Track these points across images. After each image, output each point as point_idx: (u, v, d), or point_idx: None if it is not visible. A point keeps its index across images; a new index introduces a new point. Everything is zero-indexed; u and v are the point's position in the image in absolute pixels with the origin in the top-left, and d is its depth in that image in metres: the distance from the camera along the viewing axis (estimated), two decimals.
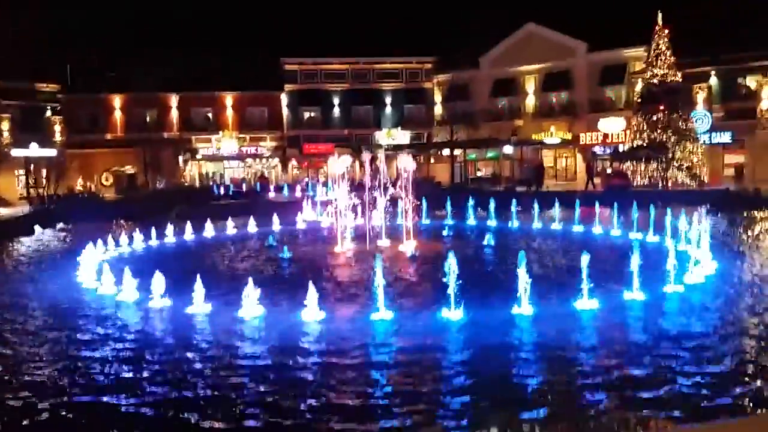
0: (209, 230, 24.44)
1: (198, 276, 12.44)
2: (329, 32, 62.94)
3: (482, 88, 54.83)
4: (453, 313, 10.97)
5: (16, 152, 49.18)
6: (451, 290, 10.99)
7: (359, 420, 7.10)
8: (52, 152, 50.91)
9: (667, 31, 39.61)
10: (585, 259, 11.77)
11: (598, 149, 49.26)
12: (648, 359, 8.81)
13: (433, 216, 27.18)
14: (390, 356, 9.29)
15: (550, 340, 9.87)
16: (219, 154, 56.09)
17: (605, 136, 48.44)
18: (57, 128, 53.90)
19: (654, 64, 40.13)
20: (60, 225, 30.31)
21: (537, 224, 24.52)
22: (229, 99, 56.20)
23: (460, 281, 11.06)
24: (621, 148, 43.67)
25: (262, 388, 8.13)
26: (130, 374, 8.81)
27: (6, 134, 50.21)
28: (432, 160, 57.00)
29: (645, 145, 39.62)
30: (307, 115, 57.73)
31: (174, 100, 55.54)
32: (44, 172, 50.38)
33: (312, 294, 11.33)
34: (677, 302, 12.06)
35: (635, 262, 12.31)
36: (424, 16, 77.30)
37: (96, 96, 53.98)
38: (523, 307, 11.24)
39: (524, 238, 21.75)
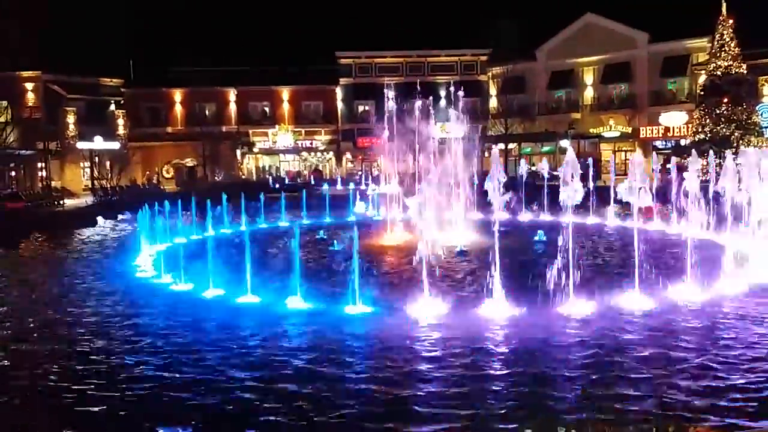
0: (264, 222, 25.18)
1: (248, 267, 12.75)
2: (383, 26, 63.05)
3: (539, 81, 54.06)
4: (496, 311, 10.92)
5: (81, 145, 51.11)
6: (496, 286, 10.94)
7: None
8: (115, 145, 52.70)
9: (731, 21, 38.24)
10: (636, 256, 11.54)
11: (659, 143, 48.03)
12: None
13: (485, 210, 26.94)
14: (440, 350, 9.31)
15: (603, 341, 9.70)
16: (275, 147, 56.93)
17: (666, 129, 47.16)
18: (120, 122, 55.64)
19: (718, 55, 38.82)
20: (121, 216, 31.28)
21: (593, 220, 24.17)
22: (285, 93, 56.91)
23: (505, 277, 11.00)
24: (683, 143, 42.48)
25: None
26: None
27: (72, 127, 52.11)
28: (486, 154, 56.49)
29: (707, 139, 38.41)
30: (361, 108, 57.96)
31: (232, 94, 56.58)
32: (108, 164, 52.17)
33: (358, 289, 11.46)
34: (733, 306, 11.64)
35: (691, 260, 12.03)
36: (478, 6, 76.70)
37: (157, 90, 55.48)
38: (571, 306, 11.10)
39: (577, 234, 21.31)
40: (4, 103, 44.60)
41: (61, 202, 39.05)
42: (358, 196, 30.66)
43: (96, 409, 7.49)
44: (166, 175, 55.28)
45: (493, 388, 7.83)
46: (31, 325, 11.49)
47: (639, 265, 11.86)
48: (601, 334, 9.86)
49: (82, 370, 8.81)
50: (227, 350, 9.52)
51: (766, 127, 39.42)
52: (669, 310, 11.15)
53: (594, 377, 8.08)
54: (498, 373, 8.37)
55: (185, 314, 11.83)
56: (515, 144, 52.66)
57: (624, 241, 18.64)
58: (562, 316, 10.88)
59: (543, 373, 8.27)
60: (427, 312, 11.06)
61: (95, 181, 49.41)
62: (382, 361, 8.87)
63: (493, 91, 57.61)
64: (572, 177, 11.74)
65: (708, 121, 38.76)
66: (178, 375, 8.52)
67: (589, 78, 52.46)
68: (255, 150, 57.47)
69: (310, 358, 9.07)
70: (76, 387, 8.12)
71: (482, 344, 9.57)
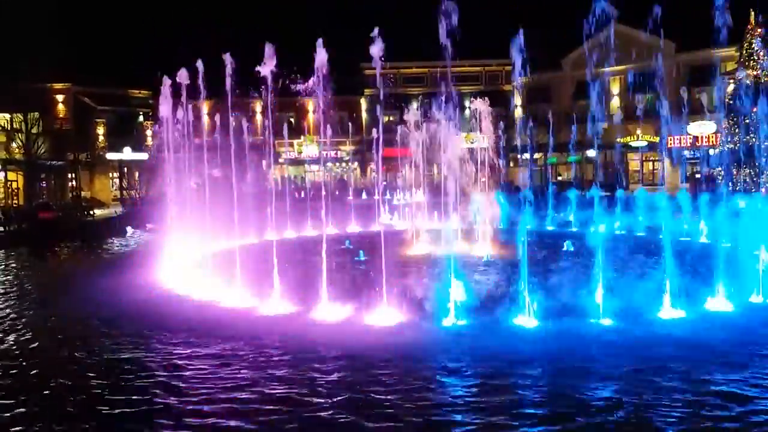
0: (290, 232, 25.35)
1: (275, 277, 12.81)
2: (408, 36, 63.21)
3: (564, 90, 53.83)
4: (528, 322, 10.83)
5: (110, 156, 51.95)
6: (525, 297, 10.87)
7: None
8: (143, 156, 53.46)
9: (760, 30, 37.82)
10: (667, 266, 11.40)
11: (686, 153, 47.51)
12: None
13: (509, 220, 26.83)
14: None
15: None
16: (300, 157, 57.32)
17: (695, 139, 46.63)
18: (149, 133, 56.45)
19: (746, 64, 38.39)
20: (149, 226, 31.62)
21: (619, 230, 23.97)
22: (310, 104, 57.33)
23: (532, 288, 10.94)
24: (711, 152, 42.05)
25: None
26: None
27: (101, 138, 53.01)
28: (511, 164, 56.33)
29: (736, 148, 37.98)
30: (386, 119, 58.10)
31: (259, 105, 57.11)
32: (136, 174, 52.95)
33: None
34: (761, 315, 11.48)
35: (722, 271, 11.88)
36: (503, 17, 76.52)
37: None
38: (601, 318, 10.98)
39: (604, 243, 21.12)
40: (36, 114, 45.48)
41: (91, 212, 39.63)
42: (383, 206, 30.73)
43: None
44: (194, 186, 55.85)
45: None
46: None
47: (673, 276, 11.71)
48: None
49: None
50: None
51: None
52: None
53: None
54: None
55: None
56: (541, 154, 52.40)
57: (655, 251, 18.42)
58: (592, 325, 10.77)
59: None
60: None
61: (124, 192, 50.13)
62: None
63: (518, 100, 57.47)
64: None
65: (737, 130, 38.31)
66: None
67: (615, 87, 52.12)
68: (281, 160, 57.91)
69: None
70: None
71: None
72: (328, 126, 57.29)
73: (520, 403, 7.50)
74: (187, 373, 8.94)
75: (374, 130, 49.44)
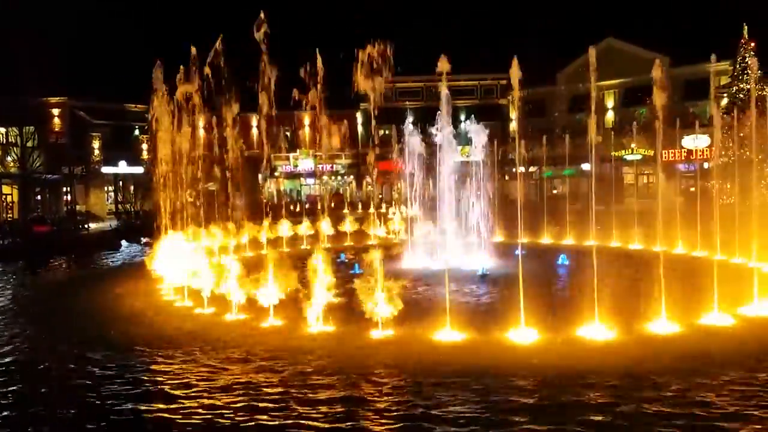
0: (285, 245, 25.34)
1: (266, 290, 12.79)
2: (403, 50, 63.52)
3: (559, 104, 54.10)
4: (523, 336, 10.82)
5: (106, 169, 51.90)
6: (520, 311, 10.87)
7: None
8: (139, 170, 53.44)
9: (753, 44, 38.07)
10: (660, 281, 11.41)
11: (681, 166, 47.64)
12: None
13: (506, 234, 26.82)
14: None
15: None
16: (296, 171, 57.38)
17: (689, 152, 46.76)
18: (144, 146, 56.39)
19: (740, 77, 38.61)
20: (144, 239, 31.54)
21: (616, 244, 24.04)
22: (306, 118, 57.43)
23: (528, 302, 10.95)
24: (706, 166, 42.23)
25: None
26: None
27: (97, 152, 52.96)
28: (506, 177, 56.43)
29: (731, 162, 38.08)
30: (381, 132, 58.21)
31: (254, 119, 57.14)
32: (132, 188, 52.89)
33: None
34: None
35: (716, 283, 11.90)
36: (499, 31, 76.96)
37: (180, 116, 56.17)
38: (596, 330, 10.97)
39: (600, 258, 21.08)
40: (31, 128, 45.29)
41: (86, 225, 39.52)
42: (378, 219, 30.71)
43: None
44: (189, 199, 55.72)
45: None
46: None
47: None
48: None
49: None
50: None
51: None
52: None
53: None
54: None
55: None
56: (536, 167, 52.47)
57: (648, 265, 18.41)
58: (585, 340, 10.76)
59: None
60: None
61: (119, 206, 50.05)
62: None
63: (513, 114, 57.66)
64: None
65: (731, 144, 38.42)
66: None
67: (610, 101, 52.40)
68: (276, 174, 57.92)
69: None
70: None
71: None
72: (324, 139, 57.59)
73: None
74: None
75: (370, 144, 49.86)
